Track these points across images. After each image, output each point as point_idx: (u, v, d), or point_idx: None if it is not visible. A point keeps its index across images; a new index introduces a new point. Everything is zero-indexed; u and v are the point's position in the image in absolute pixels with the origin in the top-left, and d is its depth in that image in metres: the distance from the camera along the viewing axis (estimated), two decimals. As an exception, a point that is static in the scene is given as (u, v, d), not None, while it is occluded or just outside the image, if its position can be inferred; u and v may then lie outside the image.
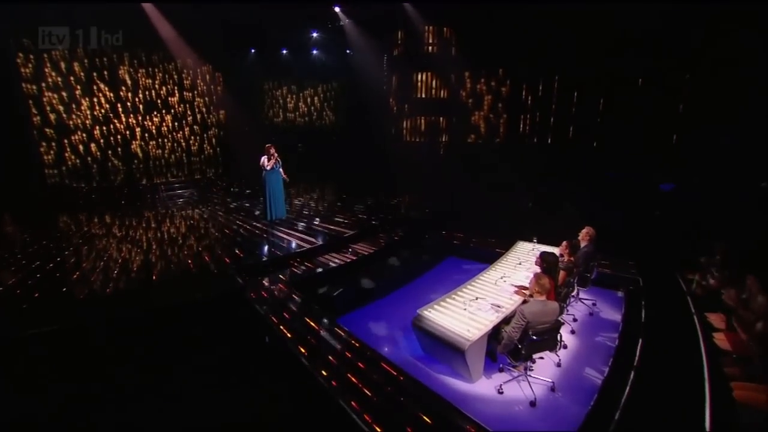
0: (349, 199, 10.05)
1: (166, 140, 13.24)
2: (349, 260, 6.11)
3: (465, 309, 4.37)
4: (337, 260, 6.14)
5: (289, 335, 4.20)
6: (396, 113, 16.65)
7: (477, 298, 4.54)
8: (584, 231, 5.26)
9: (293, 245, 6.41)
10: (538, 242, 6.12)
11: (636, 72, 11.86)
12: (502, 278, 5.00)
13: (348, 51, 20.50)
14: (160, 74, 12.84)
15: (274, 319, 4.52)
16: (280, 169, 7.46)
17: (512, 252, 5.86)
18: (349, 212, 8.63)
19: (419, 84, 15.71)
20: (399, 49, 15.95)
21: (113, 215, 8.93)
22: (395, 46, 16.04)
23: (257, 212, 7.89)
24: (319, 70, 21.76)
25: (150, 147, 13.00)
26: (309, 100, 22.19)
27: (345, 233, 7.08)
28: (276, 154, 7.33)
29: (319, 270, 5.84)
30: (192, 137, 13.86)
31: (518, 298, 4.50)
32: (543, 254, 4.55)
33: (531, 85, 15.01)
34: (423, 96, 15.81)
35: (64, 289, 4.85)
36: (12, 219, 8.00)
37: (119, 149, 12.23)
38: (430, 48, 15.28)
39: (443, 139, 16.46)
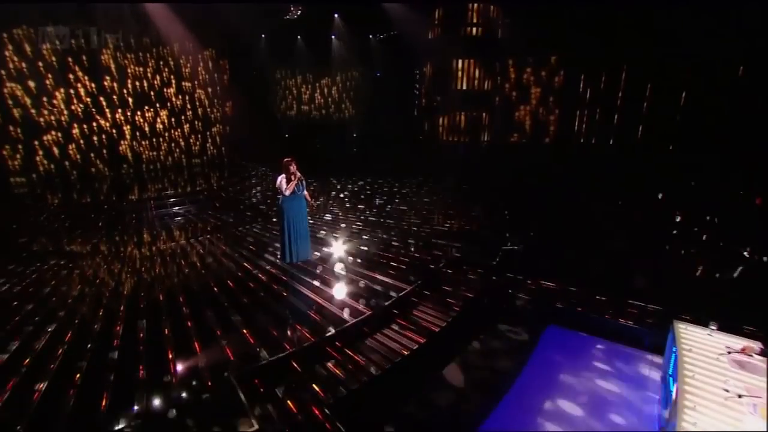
0: (386, 213, 7.69)
1: (161, 139, 11.13)
2: (405, 352, 3.75)
3: None
4: (384, 347, 3.80)
5: None
6: (431, 107, 14.22)
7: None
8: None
9: (328, 328, 4.01)
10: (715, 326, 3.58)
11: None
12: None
13: (371, 36, 18.08)
14: (153, 61, 10.66)
15: None
16: (304, 192, 5.20)
17: (682, 351, 3.09)
18: (394, 241, 6.31)
19: (460, 73, 13.19)
20: (436, 30, 13.39)
21: (84, 240, 6.78)
22: (431, 26, 13.50)
23: (278, 258, 5.41)
24: (337, 58, 19.42)
25: (142, 147, 10.92)
26: (326, 90, 19.87)
27: (400, 289, 4.79)
28: (298, 173, 5.05)
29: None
30: (192, 135, 11.72)
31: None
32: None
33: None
34: (464, 87, 13.31)
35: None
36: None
37: (104, 151, 10.15)
38: (473, 30, 12.70)
39: (485, 138, 14.00)
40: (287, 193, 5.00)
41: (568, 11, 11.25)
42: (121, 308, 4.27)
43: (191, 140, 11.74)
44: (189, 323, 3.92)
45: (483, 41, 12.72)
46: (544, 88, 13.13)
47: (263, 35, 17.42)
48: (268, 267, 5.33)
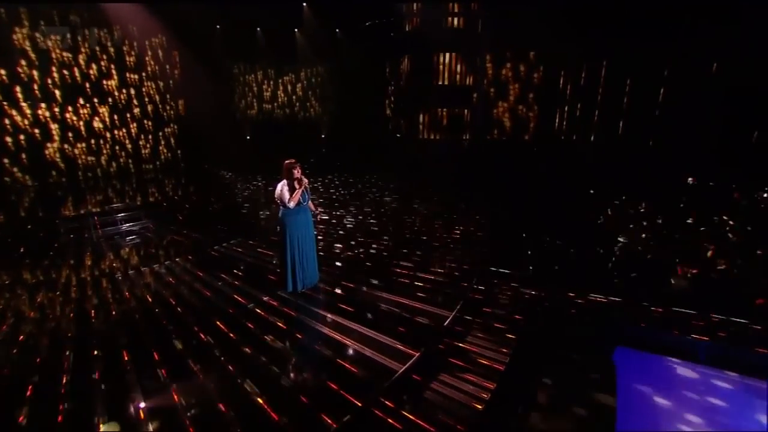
0: (385, 219, 6.82)
1: (101, 141, 9.25)
2: (478, 405, 2.80)
3: None
4: (448, 400, 2.85)
5: None
6: (409, 104, 13.48)
7: None
8: None
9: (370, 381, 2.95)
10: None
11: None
12: None
13: (337, 30, 17.00)
14: (86, 45, 8.81)
15: None
16: (309, 202, 4.15)
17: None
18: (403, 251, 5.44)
19: (441, 68, 12.61)
20: (413, 22, 12.69)
21: None
22: (408, 18, 12.78)
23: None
24: (301, 53, 18.06)
25: (77, 151, 9.01)
26: (290, 88, 18.45)
27: (434, 315, 3.93)
28: (305, 179, 3.96)
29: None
30: (142, 136, 9.95)
31: None
32: None
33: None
34: (445, 83, 12.74)
35: None
36: None
37: (23, 155, 8.15)
38: (454, 21, 12.18)
39: (466, 136, 13.58)
40: (292, 204, 3.94)
41: (545, 6, 11.13)
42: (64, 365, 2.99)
43: (140, 142, 9.97)
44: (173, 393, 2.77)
45: (464, 34, 12.25)
46: (523, 84, 12.98)
47: (218, 26, 15.70)
48: (265, 298, 4.21)
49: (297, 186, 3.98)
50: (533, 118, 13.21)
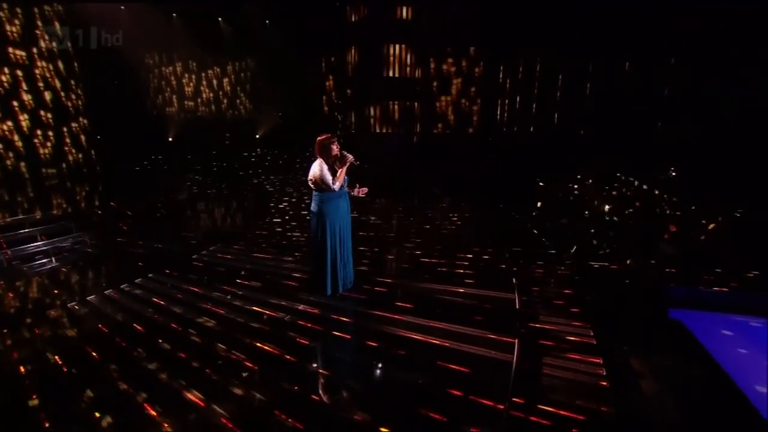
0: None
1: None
2: (603, 383, 2.48)
3: None
4: (574, 384, 2.50)
5: None
6: (358, 97, 12.97)
7: None
8: None
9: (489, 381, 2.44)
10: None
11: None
12: None
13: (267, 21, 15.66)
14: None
15: None
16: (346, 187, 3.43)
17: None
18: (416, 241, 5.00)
19: (392, 59, 12.40)
20: (363, 11, 12.23)
21: None
22: (356, 8, 12.29)
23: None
24: (227, 43, 16.18)
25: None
26: (215, 83, 16.43)
27: (488, 299, 3.58)
28: (349, 155, 3.25)
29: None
30: (40, 132, 7.64)
31: None
32: None
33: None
34: (396, 75, 12.56)
35: None
36: None
37: None
38: (403, 12, 12.07)
39: (417, 129, 13.64)
40: (338, 185, 3.25)
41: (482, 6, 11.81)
42: None
43: (37, 140, 7.68)
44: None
45: (413, 26, 12.26)
46: (465, 78, 13.55)
47: (122, 6, 13.18)
48: (300, 307, 3.39)
49: (337, 165, 3.30)
50: (476, 111, 13.90)
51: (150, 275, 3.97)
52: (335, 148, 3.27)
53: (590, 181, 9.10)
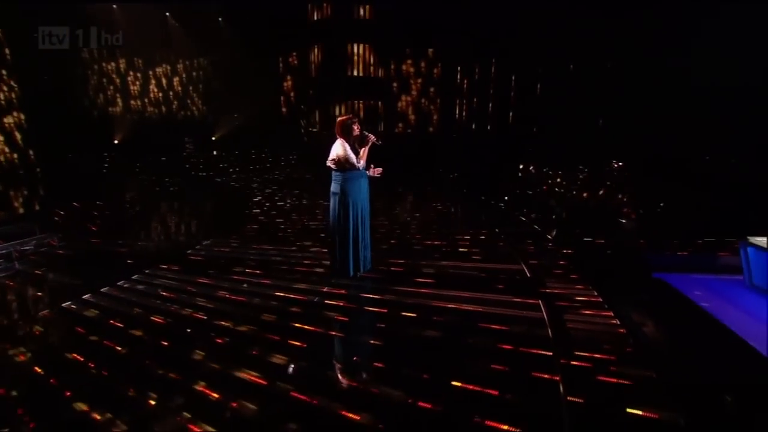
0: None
1: None
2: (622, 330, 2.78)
3: None
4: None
5: None
6: (321, 96, 12.81)
7: None
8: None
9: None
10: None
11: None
12: None
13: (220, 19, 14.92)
14: None
15: None
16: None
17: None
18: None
19: (356, 59, 12.45)
20: (326, 9, 12.14)
21: None
22: (318, 6, 12.18)
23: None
24: (177, 41, 15.12)
25: None
26: (165, 81, 15.27)
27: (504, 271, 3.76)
28: (371, 135, 3.25)
29: None
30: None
31: None
32: None
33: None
34: (359, 74, 12.64)
35: None
36: None
37: None
38: (364, 12, 12.21)
39: (381, 129, 13.85)
40: (362, 163, 3.27)
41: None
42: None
43: (-37, 137, 6.62)
44: None
45: (375, 26, 12.47)
46: (425, 79, 14.06)
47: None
48: (324, 289, 3.33)
49: (358, 146, 3.33)
50: (435, 110, 14.47)
51: (147, 271, 3.65)
52: (356, 129, 3.30)
53: (532, 168, 9.96)
